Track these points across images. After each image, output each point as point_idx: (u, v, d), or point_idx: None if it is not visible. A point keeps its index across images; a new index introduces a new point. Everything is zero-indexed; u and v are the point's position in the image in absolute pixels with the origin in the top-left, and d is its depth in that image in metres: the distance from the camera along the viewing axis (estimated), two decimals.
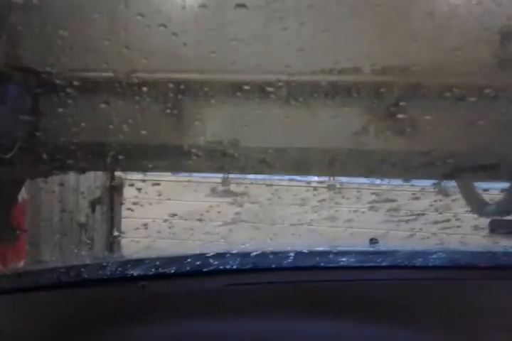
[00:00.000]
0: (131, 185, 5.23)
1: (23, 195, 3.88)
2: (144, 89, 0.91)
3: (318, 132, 0.97)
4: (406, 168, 1.04)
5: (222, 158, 1.03)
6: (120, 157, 1.03)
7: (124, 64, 0.92)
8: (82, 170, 1.29)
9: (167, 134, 1.00)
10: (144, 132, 0.98)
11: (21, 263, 3.64)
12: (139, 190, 5.05)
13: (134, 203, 5.18)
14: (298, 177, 5.05)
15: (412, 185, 4.82)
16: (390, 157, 0.99)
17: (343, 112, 0.93)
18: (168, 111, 0.94)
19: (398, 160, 1.00)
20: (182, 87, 0.91)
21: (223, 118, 0.98)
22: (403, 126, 0.92)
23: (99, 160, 1.06)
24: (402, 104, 0.89)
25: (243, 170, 1.12)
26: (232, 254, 1.42)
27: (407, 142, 0.95)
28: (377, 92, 0.88)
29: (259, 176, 5.32)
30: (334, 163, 1.04)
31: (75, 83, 0.91)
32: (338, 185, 5.18)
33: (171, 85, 0.91)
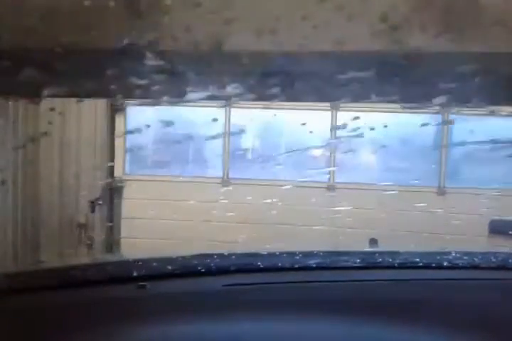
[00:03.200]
0: (131, 184, 5.25)
1: None
2: None
3: (336, 30, 0.68)
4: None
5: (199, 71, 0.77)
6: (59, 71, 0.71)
7: None
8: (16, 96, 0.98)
9: (119, 35, 0.71)
10: (91, 33, 0.68)
11: None
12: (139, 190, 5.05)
13: (134, 202, 5.19)
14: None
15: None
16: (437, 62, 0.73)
17: None
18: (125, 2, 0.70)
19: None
20: None
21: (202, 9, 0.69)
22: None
23: (33, 78, 0.75)
24: None
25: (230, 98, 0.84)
26: (231, 255, 1.42)
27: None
28: None
29: (259, 176, 5.29)
30: (359, 77, 0.75)
31: None
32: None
33: None
